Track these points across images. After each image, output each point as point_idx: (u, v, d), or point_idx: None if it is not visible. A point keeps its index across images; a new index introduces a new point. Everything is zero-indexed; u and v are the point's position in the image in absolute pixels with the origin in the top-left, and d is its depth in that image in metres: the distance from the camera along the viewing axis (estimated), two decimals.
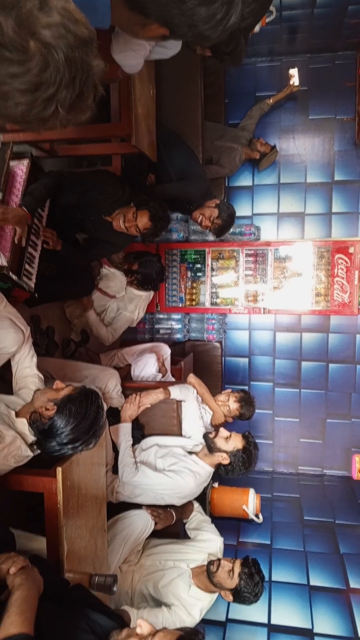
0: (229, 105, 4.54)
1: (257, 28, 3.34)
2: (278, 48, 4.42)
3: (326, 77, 4.44)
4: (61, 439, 1.78)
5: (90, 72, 0.84)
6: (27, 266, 2.46)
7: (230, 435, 2.71)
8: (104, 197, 2.80)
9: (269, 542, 3.50)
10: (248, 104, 4.43)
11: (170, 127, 3.38)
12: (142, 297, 3.46)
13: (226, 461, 2.68)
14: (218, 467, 2.74)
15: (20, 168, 2.48)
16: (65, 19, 0.79)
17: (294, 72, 4.15)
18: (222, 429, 2.75)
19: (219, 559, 2.55)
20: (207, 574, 2.49)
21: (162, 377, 3.37)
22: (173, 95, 3.57)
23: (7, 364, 2.16)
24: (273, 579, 3.15)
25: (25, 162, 2.47)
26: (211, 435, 2.72)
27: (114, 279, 3.45)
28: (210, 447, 2.70)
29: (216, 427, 2.87)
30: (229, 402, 3.03)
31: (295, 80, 4.15)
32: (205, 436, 2.76)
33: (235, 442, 2.70)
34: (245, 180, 4.59)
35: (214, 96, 4.29)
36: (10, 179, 2.45)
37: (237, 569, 2.45)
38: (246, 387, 4.56)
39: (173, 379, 3.48)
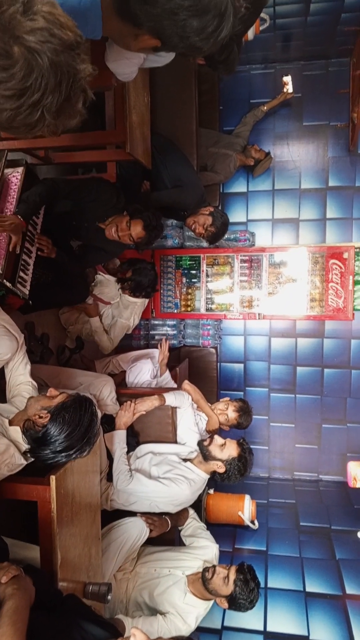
0: (224, 112, 4.57)
1: (251, 36, 3.37)
2: (272, 55, 4.45)
3: (320, 84, 4.47)
4: (55, 446, 1.77)
5: (77, 77, 0.84)
6: (21, 273, 2.46)
7: (225, 443, 2.70)
8: (99, 204, 2.80)
9: (264, 549, 3.49)
10: (242, 110, 4.46)
11: (164, 134, 3.39)
12: (137, 304, 3.45)
13: (221, 469, 2.68)
14: (213, 474, 2.73)
15: (15, 176, 2.48)
16: (50, 23, 0.78)
17: (287, 79, 4.18)
18: (216, 437, 2.74)
19: (214, 566, 2.54)
20: (202, 581, 2.48)
21: (161, 376, 3.36)
22: (168, 103, 3.58)
23: (1, 371, 2.16)
24: (269, 585, 3.14)
25: (20, 169, 2.47)
26: (205, 443, 2.71)
27: (108, 285, 3.45)
28: (205, 455, 2.70)
29: (211, 434, 2.87)
30: (227, 411, 3.01)
31: (289, 88, 4.18)
32: (200, 444, 2.75)
33: (230, 450, 2.69)
34: (239, 187, 4.61)
35: (208, 103, 4.30)
36: (5, 186, 2.45)
37: (233, 575, 2.44)
38: (242, 393, 4.57)
39: (170, 379, 3.47)
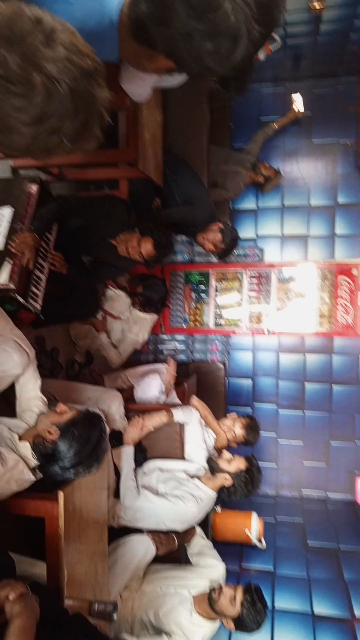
0: (234, 129, 4.62)
1: (262, 56, 3.43)
2: (282, 74, 4.51)
3: (329, 102, 4.51)
4: (64, 463, 1.77)
5: (95, 103, 0.86)
6: (33, 288, 2.49)
7: (233, 457, 2.70)
8: (110, 221, 2.84)
9: (271, 569, 3.44)
10: (253, 128, 4.50)
11: (176, 152, 3.43)
12: (147, 320, 3.47)
13: (229, 482, 2.66)
14: (220, 490, 2.71)
15: (30, 193, 2.52)
16: (70, 52, 0.80)
17: (297, 97, 4.23)
18: (225, 451, 2.74)
19: (220, 586, 2.51)
20: (208, 601, 2.45)
21: (167, 397, 3.36)
22: (179, 120, 3.63)
23: (11, 386, 2.17)
24: (276, 606, 3.10)
25: (35, 187, 2.51)
26: (214, 457, 2.71)
27: (118, 300, 3.47)
28: (213, 468, 2.69)
29: (219, 450, 2.85)
30: (234, 428, 3.00)
31: (298, 106, 4.22)
32: (209, 459, 2.75)
33: (238, 464, 2.68)
34: (249, 203, 4.64)
35: (219, 121, 4.36)
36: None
37: (240, 596, 2.41)
38: (249, 409, 4.55)
39: (177, 400, 3.47)
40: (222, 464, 2.68)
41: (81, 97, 0.82)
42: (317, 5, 3.37)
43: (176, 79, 2.07)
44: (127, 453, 2.73)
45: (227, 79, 1.98)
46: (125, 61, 1.28)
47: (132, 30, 1.11)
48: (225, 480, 2.67)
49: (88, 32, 1.12)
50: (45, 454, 1.80)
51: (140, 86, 2.03)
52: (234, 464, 2.68)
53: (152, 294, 3.30)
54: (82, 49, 0.82)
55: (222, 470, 2.66)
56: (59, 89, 0.79)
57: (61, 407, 1.89)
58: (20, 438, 1.91)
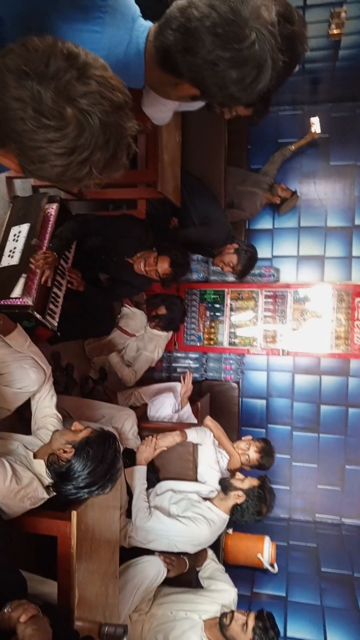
0: (252, 150, 4.67)
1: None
2: (300, 97, 4.56)
3: (347, 125, 4.54)
4: (78, 482, 1.77)
5: (124, 134, 0.88)
6: (51, 305, 2.52)
7: (246, 477, 2.68)
8: (128, 240, 2.87)
9: (284, 594, 3.37)
10: (270, 149, 4.54)
11: (193, 173, 3.47)
12: (162, 337, 3.48)
13: (241, 499, 2.63)
14: (233, 510, 2.68)
15: (50, 212, 2.57)
16: (102, 86, 0.83)
17: (314, 120, 4.27)
18: (238, 473, 2.72)
19: (232, 612, 2.46)
20: (219, 627, 2.40)
21: (182, 408, 3.35)
22: (198, 141, 3.68)
23: (26, 402, 2.18)
24: (288, 634, 3.03)
25: (55, 206, 2.56)
26: (227, 478, 2.69)
27: (134, 317, 3.50)
28: (226, 487, 2.66)
29: (232, 472, 2.83)
30: (249, 451, 2.95)
31: (316, 128, 4.26)
32: (221, 480, 2.72)
33: (251, 481, 2.67)
34: (265, 223, 4.66)
35: (237, 142, 4.41)
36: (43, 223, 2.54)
37: (251, 622, 2.36)
38: (263, 430, 4.50)
39: (192, 416, 3.45)
40: (235, 482, 2.67)
41: (111, 129, 0.84)
42: (335, 31, 3.42)
43: (197, 103, 2.11)
44: (140, 473, 2.72)
45: (249, 106, 2.02)
46: (150, 88, 1.30)
47: (158, 58, 1.13)
48: (237, 497, 2.64)
49: (115, 60, 1.15)
50: (60, 473, 1.80)
51: (162, 111, 2.07)
52: (247, 482, 2.67)
53: (175, 315, 3.34)
54: (112, 82, 0.85)
55: (235, 488, 2.64)
56: (90, 122, 0.81)
57: (76, 425, 1.90)
58: (35, 456, 1.91)
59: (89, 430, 1.86)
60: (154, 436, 2.78)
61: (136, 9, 1.19)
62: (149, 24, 1.17)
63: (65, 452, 1.80)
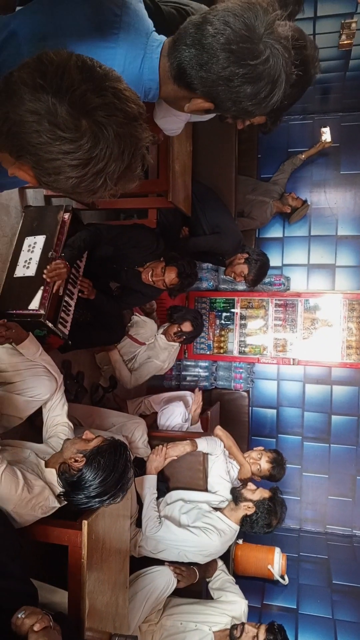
0: (262, 160, 4.69)
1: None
2: (311, 107, 4.57)
3: (358, 134, 4.55)
4: (89, 492, 1.77)
5: (138, 145, 0.89)
6: (62, 314, 2.53)
7: (257, 488, 2.67)
8: (139, 250, 2.89)
9: (295, 607, 3.33)
10: (280, 159, 4.56)
11: (204, 182, 3.49)
12: (174, 347, 3.49)
13: (251, 510, 2.62)
14: (243, 520, 2.66)
15: (63, 221, 2.60)
16: (116, 98, 0.84)
17: (325, 129, 4.28)
18: (249, 483, 2.70)
19: (243, 624, 2.44)
20: (229, 639, 2.38)
21: (192, 425, 3.34)
22: (209, 151, 3.70)
23: (38, 410, 2.19)
24: None
25: (67, 215, 2.58)
26: (238, 488, 2.67)
27: (144, 326, 3.50)
28: (237, 497, 2.65)
29: (243, 482, 2.81)
30: (260, 461, 2.94)
31: (326, 137, 4.27)
32: (233, 489, 2.71)
33: (262, 493, 2.66)
34: (275, 232, 4.66)
35: (247, 151, 4.43)
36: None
37: (262, 635, 2.34)
38: (274, 440, 4.48)
39: (200, 428, 3.45)
40: (246, 492, 2.65)
41: (126, 141, 0.85)
42: (346, 42, 3.44)
43: (209, 115, 2.13)
44: (150, 482, 2.71)
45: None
46: (165, 102, 1.31)
47: (172, 73, 1.15)
48: (247, 509, 2.62)
49: (130, 75, 1.16)
50: (71, 482, 1.80)
51: (174, 122, 2.08)
52: (258, 493, 2.65)
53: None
54: (127, 94, 0.86)
55: (246, 499, 2.62)
56: (105, 133, 0.82)
57: (88, 434, 1.90)
58: (46, 464, 1.92)
59: (100, 439, 1.86)
60: (165, 445, 2.78)
61: (150, 24, 1.21)
62: (162, 38, 1.19)
63: (76, 461, 1.80)
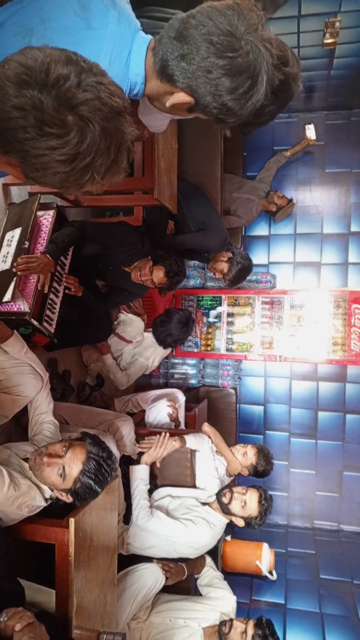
0: (247, 158, 4.70)
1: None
2: (296, 105, 4.60)
3: (342, 133, 4.59)
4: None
5: (124, 139, 0.90)
6: (48, 312, 2.51)
7: (245, 503, 2.64)
8: (124, 249, 2.89)
9: (283, 602, 3.36)
10: (265, 157, 4.58)
11: (190, 179, 3.49)
12: (160, 348, 3.49)
13: (241, 524, 2.66)
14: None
15: (47, 218, 2.58)
16: (101, 92, 0.84)
17: (309, 126, 4.32)
18: (236, 494, 2.66)
19: (231, 619, 2.45)
20: (219, 635, 2.39)
21: (175, 427, 3.34)
22: (194, 148, 3.71)
23: (23, 409, 2.18)
24: None
25: (51, 212, 2.56)
26: (225, 500, 2.65)
27: (131, 324, 3.50)
28: (224, 511, 2.66)
29: (231, 484, 2.82)
30: (246, 449, 2.96)
31: (310, 134, 4.30)
32: (220, 499, 2.69)
33: (250, 510, 2.63)
34: (261, 230, 4.69)
35: (233, 149, 4.44)
36: (36, 229, 2.54)
37: (251, 630, 2.35)
38: (261, 436, 4.51)
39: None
40: (235, 508, 2.63)
41: (112, 135, 0.86)
42: (330, 40, 3.46)
43: (190, 114, 2.13)
44: (143, 472, 2.70)
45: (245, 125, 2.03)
46: (148, 100, 1.31)
47: (156, 67, 1.15)
48: (237, 521, 2.66)
49: (116, 70, 1.16)
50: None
51: (158, 119, 2.08)
52: (247, 509, 2.64)
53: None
54: (111, 88, 0.86)
55: (235, 515, 2.64)
56: (91, 128, 0.82)
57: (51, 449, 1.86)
58: (30, 467, 1.90)
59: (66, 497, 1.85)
60: (165, 433, 2.74)
61: (137, 23, 1.21)
62: (149, 37, 1.20)
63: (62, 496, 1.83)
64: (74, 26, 1.13)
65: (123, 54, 1.16)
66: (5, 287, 2.29)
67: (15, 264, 2.29)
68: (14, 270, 2.29)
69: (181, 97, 1.17)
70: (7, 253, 2.41)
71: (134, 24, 1.20)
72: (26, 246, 2.37)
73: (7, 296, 2.27)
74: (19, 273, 2.28)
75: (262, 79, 1.09)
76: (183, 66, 1.09)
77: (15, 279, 2.29)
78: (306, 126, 4.35)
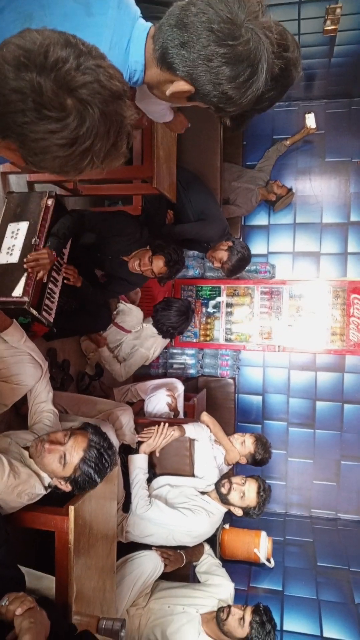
0: (247, 147, 4.67)
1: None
2: (296, 94, 4.56)
3: (343, 122, 4.55)
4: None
5: (123, 123, 0.89)
6: (47, 301, 2.51)
7: (244, 494, 2.67)
8: (123, 238, 2.88)
9: (280, 589, 3.39)
10: (265, 146, 4.55)
11: (189, 168, 3.47)
12: (160, 338, 3.49)
13: (239, 513, 2.68)
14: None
15: (47, 207, 2.56)
16: (101, 75, 0.83)
17: (309, 115, 4.28)
18: (235, 484, 2.69)
19: (229, 606, 2.47)
20: (216, 622, 2.42)
21: (174, 416, 3.35)
22: (194, 137, 3.68)
23: (23, 398, 2.18)
24: (285, 628, 3.04)
25: (50, 201, 2.55)
26: (224, 491, 2.67)
27: (130, 314, 3.49)
28: (223, 501, 2.68)
29: (229, 473, 2.83)
30: (244, 437, 2.99)
31: (310, 123, 4.27)
32: (218, 489, 2.71)
33: (249, 500, 2.66)
34: (261, 220, 4.67)
35: (232, 138, 4.41)
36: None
37: (248, 617, 2.37)
38: (260, 426, 4.52)
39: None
40: (233, 499, 2.66)
41: (111, 119, 0.85)
42: (330, 27, 3.43)
43: (189, 102, 2.10)
44: (142, 461, 2.71)
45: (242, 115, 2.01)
46: (148, 89, 1.30)
47: (156, 54, 1.14)
48: (235, 511, 2.69)
49: (116, 56, 1.15)
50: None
51: (155, 103, 2.06)
52: (246, 500, 2.67)
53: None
54: (111, 72, 0.85)
55: (234, 505, 2.67)
56: (91, 112, 0.82)
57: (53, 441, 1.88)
58: (30, 455, 1.91)
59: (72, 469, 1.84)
60: (164, 424, 2.75)
61: (137, 10, 1.20)
62: (149, 24, 1.18)
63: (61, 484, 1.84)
64: (74, 12, 1.11)
65: (123, 41, 1.15)
66: (15, 282, 2.32)
67: (25, 260, 2.31)
68: (24, 266, 2.32)
69: (181, 85, 1.16)
70: (13, 246, 2.42)
71: (133, 11, 1.19)
72: (36, 243, 2.39)
73: (17, 291, 2.29)
74: (29, 270, 2.31)
75: (263, 67, 1.08)
76: (183, 54, 1.08)
77: (25, 274, 2.31)
78: (306, 115, 4.32)
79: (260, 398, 4.58)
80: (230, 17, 1.02)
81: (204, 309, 4.35)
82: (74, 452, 1.80)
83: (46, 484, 1.86)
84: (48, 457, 1.79)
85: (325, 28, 3.45)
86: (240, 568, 3.45)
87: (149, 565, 2.52)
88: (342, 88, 4.42)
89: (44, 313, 2.48)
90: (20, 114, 0.80)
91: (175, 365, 4.41)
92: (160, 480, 2.81)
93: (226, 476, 2.82)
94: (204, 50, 1.05)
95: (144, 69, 1.19)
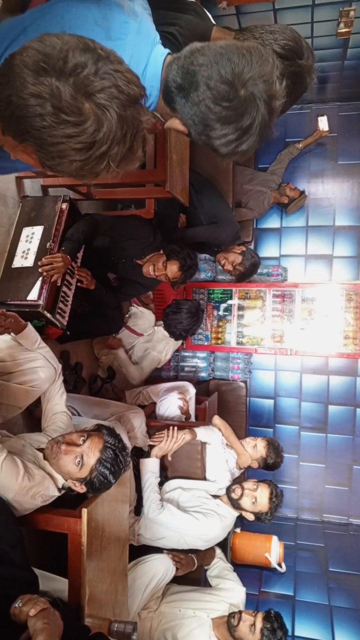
0: (259, 150, 4.65)
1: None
2: (308, 97, 4.54)
3: (355, 124, 4.53)
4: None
5: (140, 127, 0.89)
6: (61, 305, 2.53)
7: (256, 499, 2.66)
8: (136, 242, 2.89)
9: (292, 594, 3.37)
10: (277, 149, 4.54)
11: (201, 172, 3.48)
12: (172, 340, 3.50)
13: (250, 518, 2.68)
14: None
15: (61, 211, 2.58)
16: (119, 80, 0.84)
17: (322, 118, 4.27)
18: (247, 490, 2.68)
19: (240, 612, 2.46)
20: (227, 627, 2.41)
21: (186, 419, 3.35)
22: None
23: (36, 400, 2.20)
24: (296, 633, 3.03)
25: (65, 205, 2.57)
26: (235, 496, 2.67)
27: (142, 317, 3.51)
28: (234, 506, 2.68)
29: (241, 478, 2.83)
30: (256, 441, 2.98)
31: (323, 125, 4.26)
32: (230, 495, 2.70)
33: (261, 506, 2.65)
34: (273, 222, 4.66)
35: None
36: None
37: (259, 623, 2.36)
38: (271, 430, 4.51)
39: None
40: (245, 504, 2.66)
41: (128, 123, 0.85)
42: (344, 30, 3.42)
43: None
44: (153, 465, 2.72)
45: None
46: (158, 113, 1.31)
47: (162, 89, 1.16)
48: (247, 516, 2.69)
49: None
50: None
51: None
52: (258, 505, 2.66)
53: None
54: (128, 76, 0.86)
55: (245, 510, 2.67)
56: (108, 116, 0.82)
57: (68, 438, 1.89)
58: (44, 456, 1.92)
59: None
60: (174, 427, 2.75)
61: (156, 35, 1.22)
62: (167, 50, 1.20)
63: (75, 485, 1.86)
64: (94, 36, 1.13)
65: (140, 65, 1.16)
66: (30, 286, 2.35)
67: (39, 264, 2.34)
68: (40, 270, 2.35)
69: (176, 124, 1.17)
70: (28, 249, 2.44)
71: (152, 36, 1.20)
72: (51, 247, 2.42)
73: (33, 295, 2.32)
74: (44, 273, 2.34)
75: (254, 131, 1.07)
76: (180, 99, 1.10)
77: (40, 278, 2.34)
78: (319, 118, 4.31)
79: (272, 402, 4.56)
80: (229, 79, 1.02)
81: (215, 312, 4.35)
82: (91, 452, 1.80)
83: (60, 486, 1.87)
84: (64, 458, 1.80)
85: (339, 30, 3.44)
86: (251, 572, 3.45)
87: (160, 568, 2.52)
88: (355, 91, 4.41)
89: (57, 316, 2.50)
90: (38, 118, 0.81)
91: (186, 368, 4.41)
92: (172, 484, 2.81)
93: (238, 481, 2.81)
94: (199, 104, 1.06)
95: (159, 94, 1.20)
